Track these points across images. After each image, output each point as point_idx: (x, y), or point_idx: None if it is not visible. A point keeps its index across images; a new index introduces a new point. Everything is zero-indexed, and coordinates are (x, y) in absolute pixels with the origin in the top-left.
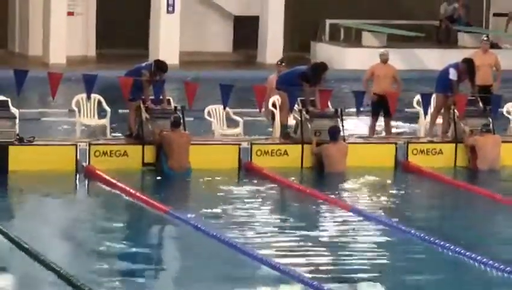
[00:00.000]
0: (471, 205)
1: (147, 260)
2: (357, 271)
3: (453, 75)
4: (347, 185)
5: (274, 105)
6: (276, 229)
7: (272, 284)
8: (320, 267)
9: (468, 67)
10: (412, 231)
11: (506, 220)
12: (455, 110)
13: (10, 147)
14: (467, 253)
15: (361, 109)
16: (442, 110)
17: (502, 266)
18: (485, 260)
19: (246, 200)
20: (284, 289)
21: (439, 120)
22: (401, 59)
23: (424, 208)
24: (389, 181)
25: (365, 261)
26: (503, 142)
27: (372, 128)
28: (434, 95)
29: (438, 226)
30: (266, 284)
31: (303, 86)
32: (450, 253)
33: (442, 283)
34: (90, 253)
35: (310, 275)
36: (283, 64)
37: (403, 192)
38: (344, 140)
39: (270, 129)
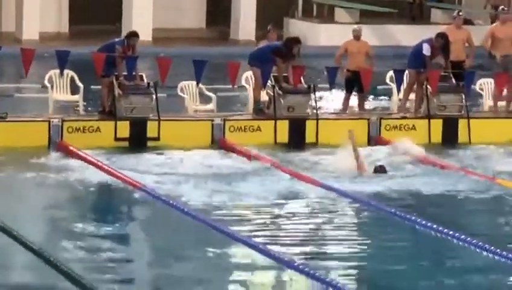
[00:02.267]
0: (443, 179)
1: (121, 236)
2: (324, 245)
3: (426, 50)
4: (320, 160)
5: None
6: (252, 206)
7: (244, 260)
8: (285, 239)
9: (443, 43)
10: (387, 208)
11: (476, 193)
12: (428, 86)
13: None
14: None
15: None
16: (415, 86)
17: (480, 243)
18: (463, 236)
19: (219, 175)
20: (253, 261)
21: (412, 96)
22: (374, 35)
23: (398, 183)
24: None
25: (336, 237)
26: (475, 118)
27: (345, 104)
28: (407, 71)
29: (415, 204)
30: (239, 259)
31: (276, 62)
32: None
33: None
34: (64, 230)
35: (281, 249)
36: (273, 31)
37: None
38: (317, 116)
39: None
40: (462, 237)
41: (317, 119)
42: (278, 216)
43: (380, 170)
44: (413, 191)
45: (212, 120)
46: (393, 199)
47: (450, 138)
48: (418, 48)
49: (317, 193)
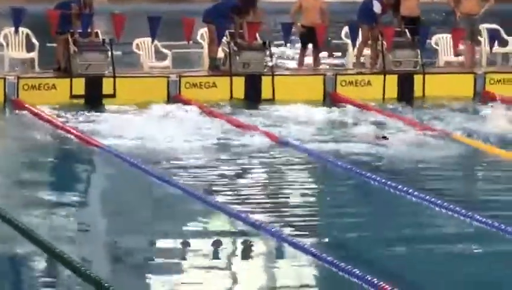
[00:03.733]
0: (397, 134)
1: (74, 191)
2: (277, 197)
3: (377, 8)
4: (276, 116)
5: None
6: (209, 161)
7: (207, 217)
8: (243, 197)
9: (393, 0)
10: (343, 164)
11: (431, 150)
12: (383, 42)
13: None
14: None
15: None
16: (370, 42)
17: (439, 201)
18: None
19: (176, 132)
20: (214, 221)
21: (368, 51)
22: None
23: (354, 139)
24: (317, 112)
25: (291, 191)
26: (430, 73)
27: (301, 60)
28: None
29: (367, 159)
30: (201, 217)
31: (232, 19)
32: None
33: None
34: (17, 183)
35: (239, 207)
36: None
37: (331, 124)
38: (272, 72)
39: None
40: (410, 190)
41: (273, 75)
42: (235, 172)
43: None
44: (376, 151)
45: (168, 77)
46: (352, 156)
47: (405, 94)
48: (367, 4)
49: (274, 148)
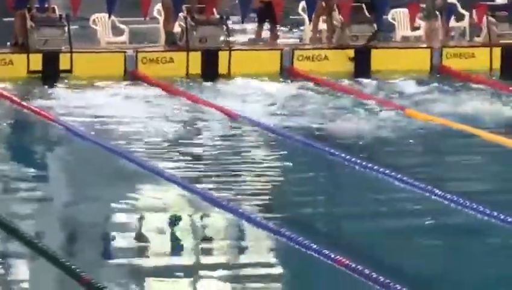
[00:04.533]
0: (354, 109)
1: (30, 165)
2: (235, 173)
3: None
4: (234, 91)
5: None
6: (166, 137)
7: (164, 191)
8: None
9: None
10: (301, 139)
11: (388, 124)
12: (340, 17)
13: None
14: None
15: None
16: (325, 17)
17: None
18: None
19: (132, 108)
20: (171, 195)
21: (324, 26)
22: None
23: (312, 114)
24: (274, 87)
25: (249, 166)
26: (387, 48)
27: (258, 35)
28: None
29: (324, 134)
30: (157, 191)
31: None
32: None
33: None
34: None
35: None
36: None
37: (288, 99)
38: (229, 47)
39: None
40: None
41: (230, 50)
42: (193, 148)
43: None
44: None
45: (125, 52)
46: (310, 131)
47: (361, 68)
48: None
49: (230, 123)
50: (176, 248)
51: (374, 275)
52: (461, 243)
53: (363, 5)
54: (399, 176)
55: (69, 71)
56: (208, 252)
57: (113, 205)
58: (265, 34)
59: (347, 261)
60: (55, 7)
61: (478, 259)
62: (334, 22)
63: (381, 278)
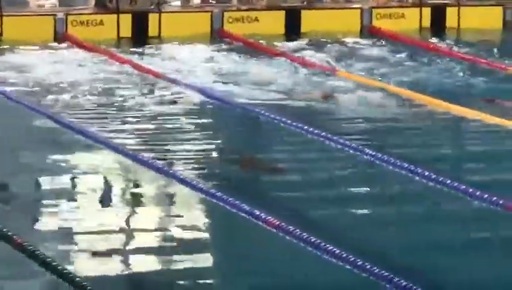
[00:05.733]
0: (283, 72)
1: None
2: (170, 138)
3: None
4: (165, 55)
5: None
6: (99, 100)
7: (95, 153)
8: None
9: None
10: (237, 104)
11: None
12: None
13: None
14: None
15: None
16: None
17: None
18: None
19: (64, 70)
20: (103, 157)
21: None
22: None
23: (244, 78)
24: (206, 49)
25: (184, 133)
26: (317, 9)
27: None
28: None
29: (261, 98)
30: (89, 154)
31: None
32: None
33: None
34: None
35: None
36: None
37: (218, 61)
38: (159, 10)
39: None
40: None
41: (160, 13)
42: (124, 112)
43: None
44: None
45: (55, 15)
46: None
47: (293, 29)
48: None
49: (163, 86)
50: (108, 210)
51: (305, 235)
52: (404, 209)
53: None
54: (335, 137)
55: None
56: (139, 212)
57: (44, 169)
58: None
59: (278, 222)
60: None
61: (414, 223)
62: None
63: (305, 235)
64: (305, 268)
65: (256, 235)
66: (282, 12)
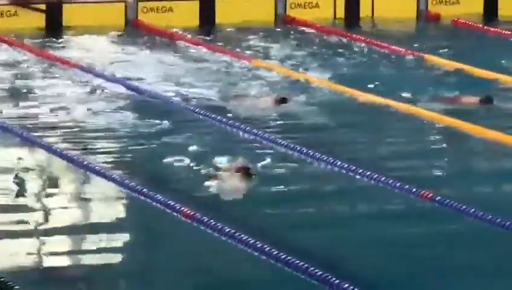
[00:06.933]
0: (199, 63)
1: None
2: (91, 129)
3: None
4: (84, 44)
5: None
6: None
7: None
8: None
9: None
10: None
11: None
12: None
13: None
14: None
15: None
16: None
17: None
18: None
19: None
20: (23, 153)
21: None
22: None
23: (160, 70)
24: (121, 40)
25: (105, 124)
26: None
27: None
28: None
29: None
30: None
31: None
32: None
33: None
34: None
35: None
36: None
37: (132, 53)
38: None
39: None
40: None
41: (73, 3)
42: (44, 105)
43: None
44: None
45: None
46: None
47: (206, 20)
48: None
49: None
50: (26, 200)
51: (220, 225)
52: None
53: None
54: (254, 130)
55: None
56: (59, 207)
57: None
58: None
59: (193, 213)
60: None
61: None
62: None
63: (226, 228)
64: (231, 263)
65: (175, 226)
66: (197, 3)
